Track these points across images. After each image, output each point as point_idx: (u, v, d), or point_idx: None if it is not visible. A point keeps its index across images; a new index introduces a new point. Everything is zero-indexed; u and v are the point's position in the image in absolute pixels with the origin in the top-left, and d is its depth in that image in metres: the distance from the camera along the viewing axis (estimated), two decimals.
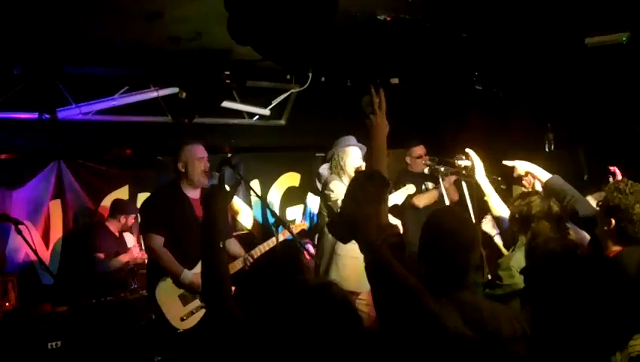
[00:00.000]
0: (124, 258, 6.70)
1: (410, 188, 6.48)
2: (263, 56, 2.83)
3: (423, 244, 2.73)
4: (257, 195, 6.04)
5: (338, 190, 5.53)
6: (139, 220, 6.95)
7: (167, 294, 5.14)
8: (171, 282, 5.13)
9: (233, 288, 3.25)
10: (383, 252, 2.48)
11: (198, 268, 4.80)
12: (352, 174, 5.57)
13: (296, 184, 8.93)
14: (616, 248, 3.42)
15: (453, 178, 6.59)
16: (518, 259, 4.00)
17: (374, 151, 3.02)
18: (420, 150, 7.39)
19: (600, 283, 3.28)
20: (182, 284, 5.09)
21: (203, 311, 5.08)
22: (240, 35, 2.87)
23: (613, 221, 3.41)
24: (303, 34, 2.78)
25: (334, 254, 5.57)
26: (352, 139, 5.87)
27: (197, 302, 5.12)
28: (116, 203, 7.10)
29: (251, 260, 5.47)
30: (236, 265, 5.49)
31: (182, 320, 5.12)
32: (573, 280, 3.32)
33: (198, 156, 5.29)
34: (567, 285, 3.31)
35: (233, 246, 5.65)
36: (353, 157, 5.79)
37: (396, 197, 6.33)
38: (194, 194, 5.31)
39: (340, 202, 5.24)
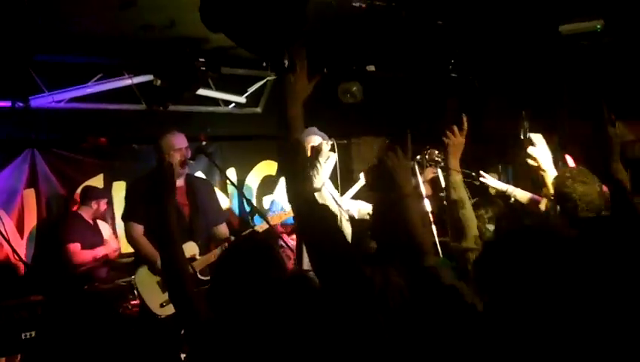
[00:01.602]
0: (100, 251, 6.68)
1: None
2: (236, 44, 2.80)
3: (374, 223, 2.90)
4: (233, 184, 6.03)
5: None
6: (113, 207, 6.97)
7: (145, 281, 5.22)
8: (147, 269, 5.18)
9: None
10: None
11: None
12: None
13: (273, 172, 8.90)
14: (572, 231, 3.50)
15: (430, 173, 6.66)
16: None
17: (290, 119, 2.72)
18: None
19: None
20: (160, 272, 5.10)
21: None
22: (212, 21, 2.84)
23: (559, 208, 3.60)
24: (276, 21, 2.75)
25: None
26: (313, 129, 5.87)
27: None
28: (86, 189, 7.05)
29: None
30: (216, 253, 5.46)
31: (161, 306, 5.15)
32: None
33: (176, 147, 5.28)
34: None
35: (225, 232, 5.68)
36: (311, 144, 5.79)
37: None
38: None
39: None
